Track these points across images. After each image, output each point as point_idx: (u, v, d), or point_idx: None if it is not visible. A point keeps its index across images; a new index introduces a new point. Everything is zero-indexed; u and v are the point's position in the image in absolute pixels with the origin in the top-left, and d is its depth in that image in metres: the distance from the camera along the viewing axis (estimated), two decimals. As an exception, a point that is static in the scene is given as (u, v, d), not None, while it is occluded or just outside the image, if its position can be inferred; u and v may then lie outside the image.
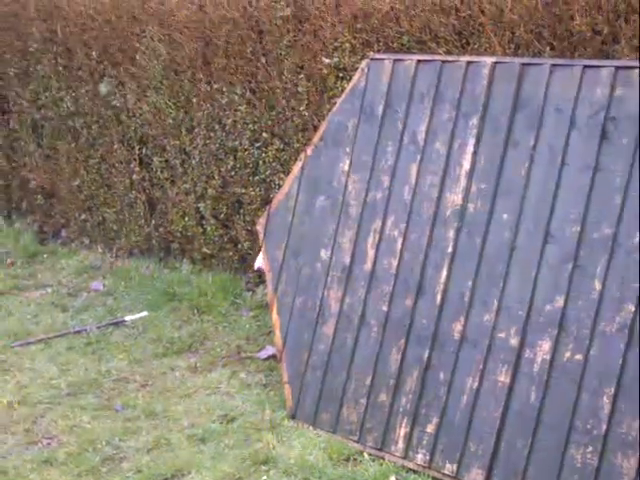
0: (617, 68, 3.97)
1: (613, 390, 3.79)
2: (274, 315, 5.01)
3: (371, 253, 4.63)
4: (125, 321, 6.20)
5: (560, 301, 3.97)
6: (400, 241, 4.53)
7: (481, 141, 4.33)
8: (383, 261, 4.59)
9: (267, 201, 5.89)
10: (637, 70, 3.93)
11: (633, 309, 3.78)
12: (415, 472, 4.25)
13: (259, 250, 5.18)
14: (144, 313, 6.30)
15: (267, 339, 5.74)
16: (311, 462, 4.34)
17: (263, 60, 6.00)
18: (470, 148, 4.35)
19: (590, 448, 3.81)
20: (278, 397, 4.98)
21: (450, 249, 4.34)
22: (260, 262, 5.15)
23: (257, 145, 6.15)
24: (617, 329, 3.81)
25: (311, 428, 4.69)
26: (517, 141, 4.22)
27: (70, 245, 7.80)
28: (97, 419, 4.90)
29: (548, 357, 3.98)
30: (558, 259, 4.01)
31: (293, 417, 4.80)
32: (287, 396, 4.85)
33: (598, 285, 3.89)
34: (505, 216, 4.20)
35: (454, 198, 4.37)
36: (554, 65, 4.16)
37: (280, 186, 5.63)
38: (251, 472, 4.33)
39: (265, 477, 4.28)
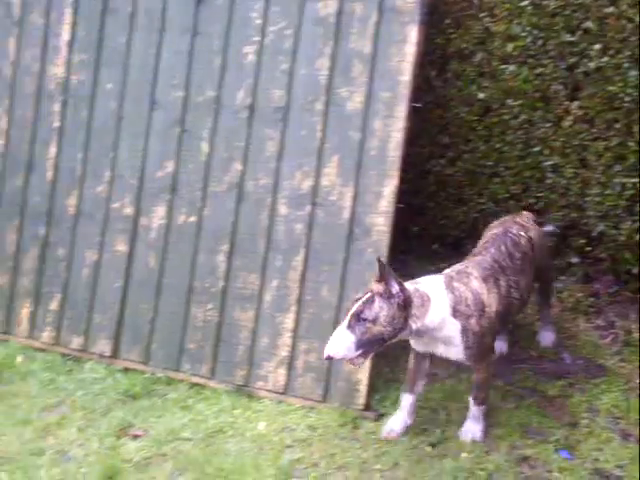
0: None
1: (228, 248, 3.94)
2: None
3: (-25, 134, 4.43)
4: None
5: (170, 166, 4.04)
6: (5, 119, 4.36)
7: (79, 10, 4.24)
8: (-12, 141, 4.41)
9: None
10: None
11: (240, 168, 3.92)
12: (43, 350, 4.21)
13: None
14: None
15: None
16: None
17: None
18: (68, 18, 4.25)
19: (210, 305, 3.96)
20: None
21: (57, 123, 4.25)
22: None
23: None
24: (227, 188, 3.95)
25: None
26: (115, 9, 4.17)
27: None
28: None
29: (164, 222, 4.06)
30: (165, 125, 4.06)
31: None
32: None
33: (206, 147, 3.99)
34: (109, 86, 4.17)
35: (56, 71, 4.26)
36: None
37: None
38: None
39: None
